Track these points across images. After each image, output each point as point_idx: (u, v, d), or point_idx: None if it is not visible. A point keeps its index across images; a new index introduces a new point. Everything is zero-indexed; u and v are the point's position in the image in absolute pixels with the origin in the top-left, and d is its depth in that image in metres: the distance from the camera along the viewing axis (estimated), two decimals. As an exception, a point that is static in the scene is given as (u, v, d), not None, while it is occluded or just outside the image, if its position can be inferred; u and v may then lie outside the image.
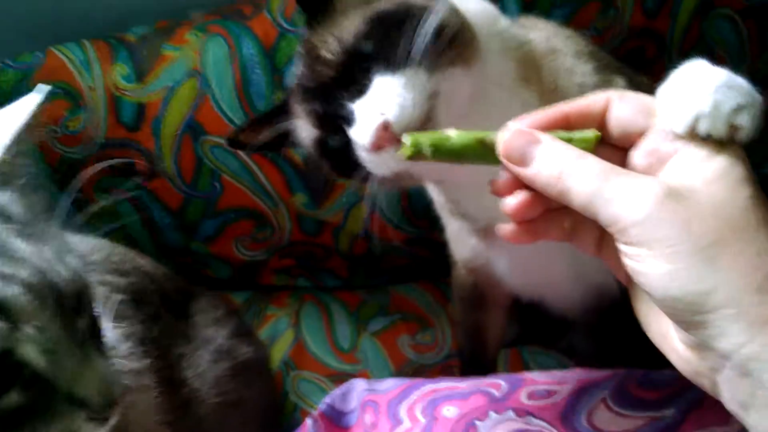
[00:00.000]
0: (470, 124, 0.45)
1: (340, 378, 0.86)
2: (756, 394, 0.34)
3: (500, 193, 0.44)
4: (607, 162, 0.39)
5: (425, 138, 0.43)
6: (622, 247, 0.38)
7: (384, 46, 0.52)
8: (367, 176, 0.54)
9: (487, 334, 0.79)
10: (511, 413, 0.58)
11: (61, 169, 0.87)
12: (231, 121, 0.84)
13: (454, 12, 0.56)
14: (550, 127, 0.42)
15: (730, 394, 0.36)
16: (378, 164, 0.53)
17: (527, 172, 0.41)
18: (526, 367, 0.88)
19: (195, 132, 0.85)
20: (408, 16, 0.52)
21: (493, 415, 0.58)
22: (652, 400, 0.56)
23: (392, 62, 0.51)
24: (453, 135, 0.43)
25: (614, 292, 0.69)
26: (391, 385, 0.66)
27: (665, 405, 0.55)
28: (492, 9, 0.62)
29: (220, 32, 0.85)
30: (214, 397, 0.64)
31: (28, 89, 0.78)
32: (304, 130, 0.59)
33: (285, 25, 0.85)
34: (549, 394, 0.60)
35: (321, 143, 0.58)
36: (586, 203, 0.38)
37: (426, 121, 0.51)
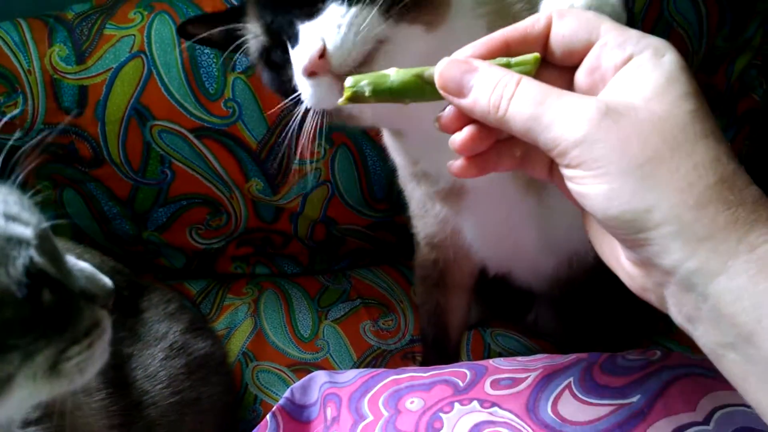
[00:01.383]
0: None
1: (300, 368, 0.84)
2: (700, 307, 0.35)
3: (446, 129, 0.43)
4: (546, 84, 0.38)
5: (364, 79, 0.43)
6: (564, 170, 0.37)
7: None
8: (298, 100, 0.53)
9: (450, 316, 0.78)
10: (476, 404, 0.56)
11: (-1, 158, 0.82)
12: (180, 104, 0.80)
13: None
14: (491, 55, 0.41)
15: (676, 308, 0.37)
16: (315, 96, 0.51)
17: (465, 102, 0.40)
18: (488, 349, 0.88)
19: (142, 116, 0.81)
20: None
21: (457, 406, 0.57)
22: (617, 386, 0.56)
23: None
24: (391, 73, 0.43)
25: (587, 261, 0.68)
26: (352, 377, 0.64)
27: (631, 392, 0.55)
28: None
29: (166, 10, 0.81)
30: (168, 397, 0.61)
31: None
32: (253, 35, 0.57)
33: (235, 2, 0.81)
34: (514, 382, 0.59)
35: (266, 53, 0.56)
36: (526, 129, 0.38)
37: (364, 63, 0.49)
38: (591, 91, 0.39)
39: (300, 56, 0.49)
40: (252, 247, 0.96)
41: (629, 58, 0.38)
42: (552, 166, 0.42)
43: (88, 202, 0.86)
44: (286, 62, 0.52)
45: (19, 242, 0.37)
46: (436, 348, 0.80)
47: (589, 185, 0.36)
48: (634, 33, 0.38)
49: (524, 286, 0.78)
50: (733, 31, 0.93)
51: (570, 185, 0.37)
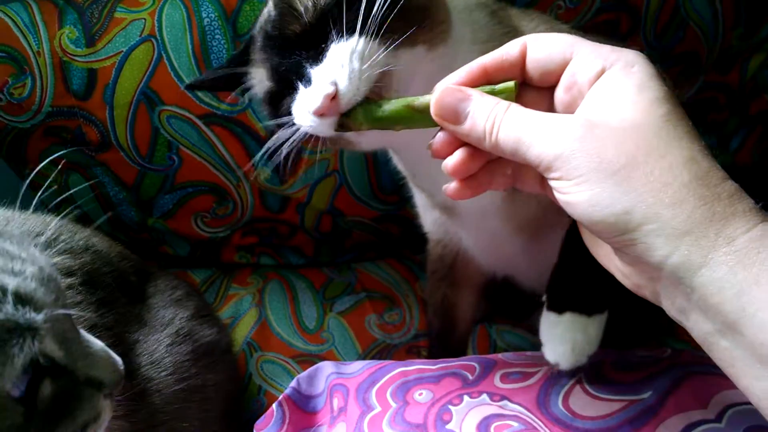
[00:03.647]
0: None
1: (305, 359, 0.83)
2: (690, 298, 0.36)
3: (439, 154, 0.45)
4: (527, 109, 0.41)
5: (358, 108, 0.45)
6: (551, 183, 0.40)
7: (348, 10, 0.51)
8: (292, 124, 0.54)
9: (457, 310, 0.78)
10: (485, 397, 0.56)
11: (6, 139, 0.81)
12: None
13: None
14: (472, 82, 0.44)
15: (669, 301, 0.38)
16: (316, 128, 0.52)
17: (462, 129, 0.42)
18: (494, 345, 0.87)
19: (150, 101, 0.80)
20: None
21: (467, 399, 0.56)
22: (629, 382, 0.55)
23: (349, 28, 0.50)
24: (383, 103, 0.45)
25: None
26: (359, 368, 0.64)
27: (642, 388, 0.54)
28: None
29: (177, -6, 0.80)
30: (173, 384, 0.60)
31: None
32: (258, 80, 0.58)
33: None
34: (524, 376, 0.58)
35: (270, 96, 0.57)
36: (514, 151, 0.40)
37: (376, 96, 0.50)
38: (570, 106, 0.42)
39: (312, 99, 0.50)
40: (257, 236, 0.95)
41: (602, 72, 0.40)
42: (543, 180, 0.43)
43: (94, 188, 0.85)
44: (289, 99, 0.54)
45: (27, 330, 0.34)
46: (441, 341, 0.80)
47: (573, 194, 0.38)
48: (605, 48, 0.41)
49: (528, 290, 0.78)
50: (748, 30, 0.92)
51: (557, 195, 0.40)
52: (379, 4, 0.49)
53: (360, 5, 0.50)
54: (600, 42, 0.58)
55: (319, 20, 0.51)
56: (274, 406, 0.62)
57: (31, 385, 0.35)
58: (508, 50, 0.43)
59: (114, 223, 0.89)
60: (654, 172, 0.36)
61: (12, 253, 0.37)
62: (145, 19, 0.79)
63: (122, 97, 0.79)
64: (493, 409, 0.54)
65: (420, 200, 0.72)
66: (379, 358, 0.85)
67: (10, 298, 0.34)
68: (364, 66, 0.49)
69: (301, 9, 0.52)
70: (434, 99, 0.43)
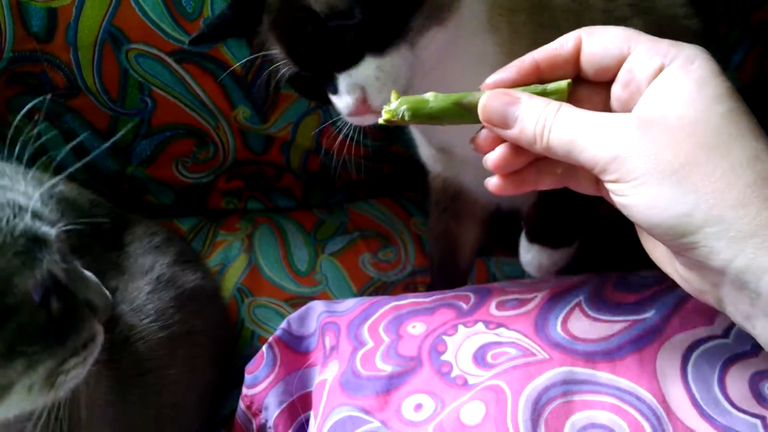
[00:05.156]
0: (439, 75, 0.48)
1: (298, 302, 0.81)
2: (755, 304, 0.35)
3: (482, 150, 0.44)
4: (580, 109, 0.40)
5: (404, 104, 0.44)
6: (607, 185, 0.39)
7: (376, 18, 0.50)
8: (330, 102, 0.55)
9: (460, 242, 0.76)
10: (480, 326, 0.54)
11: (-34, 89, 0.77)
12: (156, 25, 0.74)
13: None
14: (523, 78, 0.43)
15: (733, 307, 0.37)
16: (356, 121, 0.55)
17: (511, 133, 0.42)
18: (492, 277, 0.85)
19: (116, 39, 0.75)
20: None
21: (461, 328, 0.54)
22: (630, 303, 0.53)
23: (382, 41, 0.50)
24: (431, 98, 0.44)
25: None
26: (351, 305, 0.61)
27: (645, 307, 0.52)
28: None
29: None
30: (157, 332, 0.58)
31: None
32: (284, 62, 0.55)
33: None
34: (520, 303, 0.55)
35: (297, 77, 0.56)
36: (567, 153, 0.39)
37: (403, 92, 0.50)
38: (628, 103, 0.41)
39: (344, 105, 0.53)
40: (243, 180, 0.91)
41: (660, 69, 0.39)
42: (598, 181, 0.42)
43: (66, 136, 0.81)
44: (318, 84, 0.55)
45: (45, 244, 0.36)
46: (442, 273, 0.78)
47: (630, 196, 0.37)
48: (664, 44, 0.40)
49: None
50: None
51: (614, 198, 0.39)
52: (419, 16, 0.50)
53: (404, 17, 0.50)
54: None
55: (341, 31, 0.50)
56: (264, 348, 0.60)
57: (45, 299, 0.37)
58: (562, 44, 0.42)
59: (93, 173, 0.86)
60: (715, 172, 0.35)
61: (16, 181, 0.40)
62: (102, -50, 0.73)
63: (86, 37, 0.74)
64: (489, 337, 0.52)
65: (416, 135, 0.70)
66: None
67: (28, 213, 0.36)
68: (395, 73, 0.51)
69: (322, 16, 0.50)
70: (481, 103, 0.42)
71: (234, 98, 0.81)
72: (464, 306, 0.57)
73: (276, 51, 0.54)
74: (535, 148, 0.41)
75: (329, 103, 0.55)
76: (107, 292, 0.42)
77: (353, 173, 0.92)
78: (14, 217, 0.35)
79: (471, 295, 0.58)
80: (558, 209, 0.65)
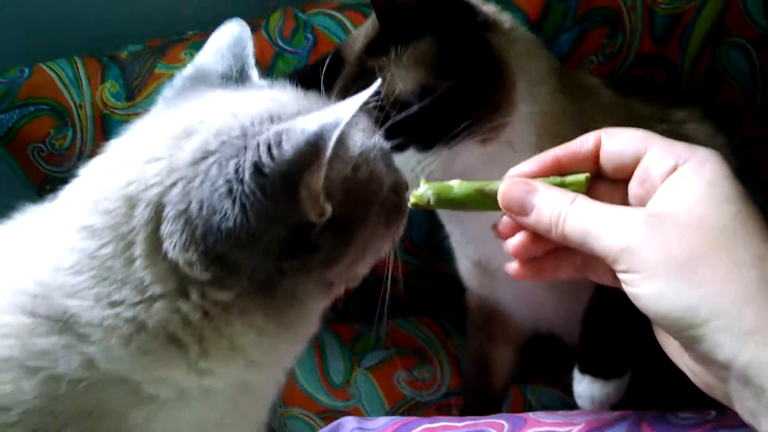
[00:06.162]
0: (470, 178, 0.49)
1: (331, 415, 0.81)
2: (760, 400, 0.35)
3: (503, 236, 0.46)
4: (595, 201, 0.42)
5: (430, 189, 0.47)
6: (619, 275, 0.40)
7: (428, 119, 0.55)
8: None
9: (494, 364, 0.76)
10: (513, 457, 0.53)
11: (45, 190, 0.84)
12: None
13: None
14: (544, 172, 0.45)
15: (739, 403, 0.37)
16: None
17: (528, 221, 0.44)
18: (528, 406, 0.84)
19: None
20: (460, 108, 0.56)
21: (493, 458, 0.53)
22: (668, 444, 0.51)
23: (427, 140, 0.55)
24: (455, 185, 0.46)
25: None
26: (383, 423, 0.61)
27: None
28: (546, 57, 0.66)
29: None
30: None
31: (12, 105, 0.76)
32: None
33: (282, 45, 0.82)
34: (555, 436, 0.55)
35: None
36: (582, 242, 0.41)
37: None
38: (643, 199, 0.42)
39: None
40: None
41: (674, 168, 0.41)
42: (614, 272, 0.43)
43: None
44: None
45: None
46: (476, 395, 0.77)
47: (640, 287, 0.38)
48: (679, 146, 0.42)
49: (570, 346, 0.75)
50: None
51: (625, 288, 0.40)
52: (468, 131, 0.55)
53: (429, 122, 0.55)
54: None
55: (401, 122, 0.55)
56: (293, 461, 0.60)
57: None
58: (583, 142, 0.44)
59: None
60: (721, 269, 0.36)
61: None
62: (182, 74, 0.81)
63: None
64: (521, 469, 0.51)
65: (455, 248, 0.72)
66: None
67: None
68: (425, 166, 0.55)
69: (384, 99, 0.56)
70: (501, 190, 0.44)
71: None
72: (497, 434, 0.56)
73: None
74: (552, 236, 0.42)
75: None
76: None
77: (397, 289, 0.94)
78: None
79: (504, 423, 0.58)
80: (605, 331, 0.64)
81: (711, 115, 0.89)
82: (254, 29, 0.82)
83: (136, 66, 0.83)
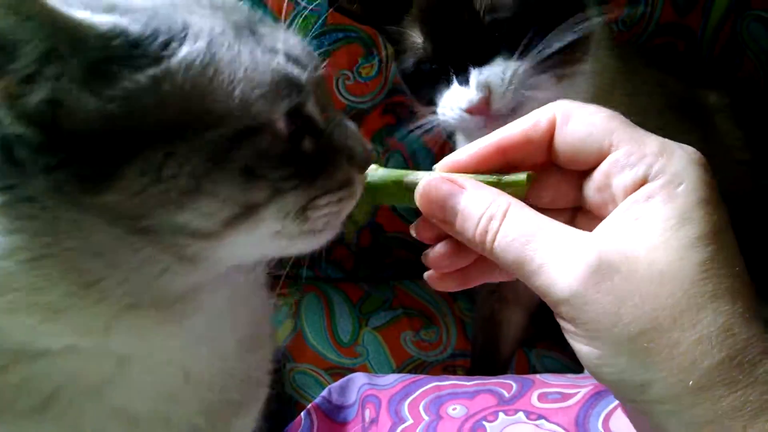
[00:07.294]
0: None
1: (338, 372, 0.82)
2: None
3: (421, 239, 0.39)
4: (535, 215, 0.34)
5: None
6: (559, 320, 0.34)
7: (521, 30, 0.55)
8: (430, 102, 0.61)
9: (504, 328, 0.77)
10: (521, 415, 0.54)
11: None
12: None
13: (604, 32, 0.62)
14: (485, 163, 0.37)
15: None
16: (459, 122, 0.58)
17: (452, 229, 0.36)
18: (533, 370, 0.85)
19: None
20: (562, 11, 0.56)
21: (502, 416, 0.54)
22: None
23: (518, 46, 0.55)
24: (377, 169, 0.40)
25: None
26: (393, 380, 0.63)
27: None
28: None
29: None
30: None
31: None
32: (414, 46, 0.61)
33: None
34: (563, 397, 0.56)
35: (419, 64, 0.62)
36: (515, 269, 0.34)
37: (514, 109, 0.56)
38: (600, 209, 0.35)
39: (467, 97, 0.56)
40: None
41: (641, 183, 0.33)
42: None
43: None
44: (433, 77, 0.60)
45: (293, 84, 0.37)
46: (483, 357, 0.79)
47: (581, 345, 0.32)
48: (651, 148, 0.33)
49: None
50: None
51: (565, 335, 0.34)
52: (561, 40, 0.55)
53: (531, 32, 0.55)
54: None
55: (492, 26, 0.56)
56: (302, 414, 0.61)
57: (295, 136, 0.37)
58: (535, 124, 0.36)
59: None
60: (681, 345, 0.30)
61: (276, 29, 0.40)
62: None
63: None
64: (529, 427, 0.52)
65: None
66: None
67: (281, 55, 0.37)
68: (519, 84, 0.55)
69: (478, 7, 0.56)
70: (419, 188, 0.36)
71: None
72: (506, 394, 0.57)
73: (413, 40, 0.61)
74: (478, 251, 0.35)
75: (432, 104, 0.60)
76: (367, 142, 0.41)
77: (402, 251, 0.95)
78: (262, 55, 0.37)
79: (513, 383, 0.59)
80: None
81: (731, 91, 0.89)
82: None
83: None
